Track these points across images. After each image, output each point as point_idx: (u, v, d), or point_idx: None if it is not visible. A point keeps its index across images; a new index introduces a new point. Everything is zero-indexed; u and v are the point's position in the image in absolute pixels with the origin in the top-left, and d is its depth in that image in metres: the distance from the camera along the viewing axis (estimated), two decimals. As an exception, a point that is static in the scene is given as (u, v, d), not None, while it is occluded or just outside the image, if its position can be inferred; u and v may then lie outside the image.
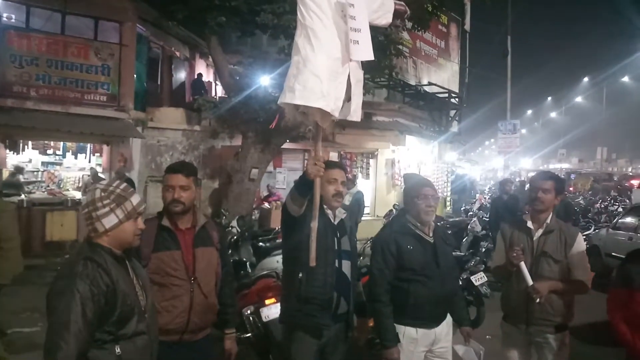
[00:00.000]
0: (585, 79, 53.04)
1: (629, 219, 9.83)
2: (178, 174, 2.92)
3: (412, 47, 19.24)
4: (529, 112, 66.26)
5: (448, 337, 3.34)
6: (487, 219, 11.08)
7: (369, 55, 2.66)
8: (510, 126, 20.48)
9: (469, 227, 10.32)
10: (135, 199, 2.23)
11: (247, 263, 6.17)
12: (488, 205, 15.57)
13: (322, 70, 2.54)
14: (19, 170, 11.78)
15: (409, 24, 11.98)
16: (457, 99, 21.52)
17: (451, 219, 13.35)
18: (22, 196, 10.74)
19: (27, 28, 11.49)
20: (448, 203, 19.51)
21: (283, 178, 15.35)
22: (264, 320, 4.47)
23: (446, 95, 20.41)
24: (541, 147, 55.71)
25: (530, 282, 3.19)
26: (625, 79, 48.23)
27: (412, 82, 19.30)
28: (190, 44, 16.61)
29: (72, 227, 11.05)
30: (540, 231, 3.38)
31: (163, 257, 2.81)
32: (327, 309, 3.04)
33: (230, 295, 3.15)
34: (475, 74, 26.71)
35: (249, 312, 4.67)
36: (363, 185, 14.20)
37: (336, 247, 3.11)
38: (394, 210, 12.09)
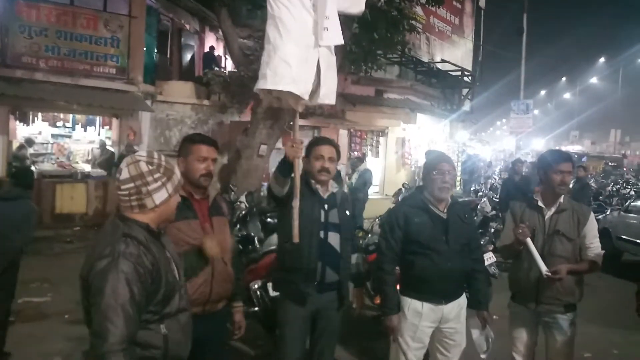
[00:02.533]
0: (601, 60, 52.09)
1: (641, 203, 9.69)
2: (211, 146, 2.87)
3: (426, 23, 18.91)
4: (542, 92, 65.30)
5: (460, 318, 3.31)
6: (497, 200, 10.98)
7: (339, 40, 2.92)
8: (523, 106, 20.23)
9: (478, 207, 10.23)
10: (178, 172, 2.14)
11: (255, 238, 6.13)
12: (498, 186, 15.45)
13: (291, 56, 2.75)
14: (29, 143, 11.78)
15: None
16: (470, 77, 21.18)
17: (460, 199, 13.24)
18: (32, 168, 10.77)
19: (37, -2, 11.40)
20: (458, 183, 19.38)
21: (292, 154, 15.23)
22: (271, 294, 4.44)
23: (459, 73, 20.09)
24: (553, 129, 55.04)
25: (539, 260, 3.15)
26: (642, 60, 47.30)
27: (425, 59, 19.01)
28: (200, 17, 16.45)
29: (81, 199, 11.13)
30: (552, 210, 3.33)
31: (181, 226, 2.71)
32: (311, 278, 3.16)
33: (237, 269, 3.10)
34: (488, 52, 26.30)
35: (256, 286, 4.65)
36: (372, 163, 14.09)
37: (322, 220, 3.21)
38: (404, 189, 11.99)
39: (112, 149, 12.51)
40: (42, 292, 6.44)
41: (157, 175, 2.04)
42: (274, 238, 6.95)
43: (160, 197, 2.04)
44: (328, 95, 2.99)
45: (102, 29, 11.79)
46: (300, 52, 2.79)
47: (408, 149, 15.74)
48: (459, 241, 3.24)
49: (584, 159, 27.21)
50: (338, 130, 14.12)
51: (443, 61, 19.32)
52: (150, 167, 2.03)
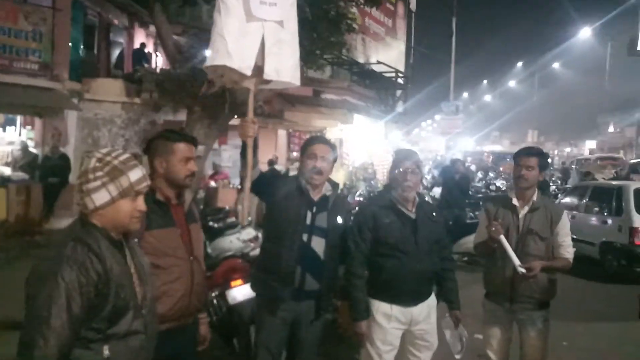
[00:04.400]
0: (519, 64, 54.92)
1: (568, 199, 10.17)
2: (192, 145, 2.63)
3: (361, 24, 19.11)
4: (465, 94, 68.08)
5: (430, 319, 3.23)
6: (435, 198, 11.22)
7: (287, 16, 2.93)
8: (452, 107, 20.86)
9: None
10: (134, 174, 1.85)
11: (207, 243, 5.83)
12: (429, 185, 15.83)
13: (227, 30, 2.74)
14: None
15: (361, -1, 11.79)
16: (404, 79, 21.63)
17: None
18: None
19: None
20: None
21: (228, 156, 14.92)
22: (230, 303, 4.20)
23: (393, 74, 20.46)
24: (476, 130, 57.50)
25: (513, 256, 3.13)
26: (556, 65, 50.28)
27: (361, 60, 19.19)
28: (129, 12, 15.71)
29: (1, 205, 10.24)
30: (526, 208, 3.32)
31: (159, 235, 2.48)
32: (288, 283, 2.98)
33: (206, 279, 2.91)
34: (419, 54, 26.95)
35: (213, 295, 4.38)
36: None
37: (308, 222, 3.02)
38: (345, 190, 11.98)
39: (34, 151, 11.64)
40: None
41: (98, 174, 1.81)
42: (220, 242, 6.67)
43: (99, 198, 1.80)
44: (278, 71, 2.88)
45: (23, 21, 10.97)
46: (238, 26, 2.75)
47: (346, 149, 15.82)
48: (428, 241, 3.16)
49: (508, 159, 28.49)
50: (277, 130, 13.96)
51: (379, 62, 19.60)
52: (97, 165, 1.82)
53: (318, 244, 3.04)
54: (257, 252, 5.67)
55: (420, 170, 3.20)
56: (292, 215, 2.99)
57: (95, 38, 14.79)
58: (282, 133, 14.35)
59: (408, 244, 3.09)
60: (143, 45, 15.78)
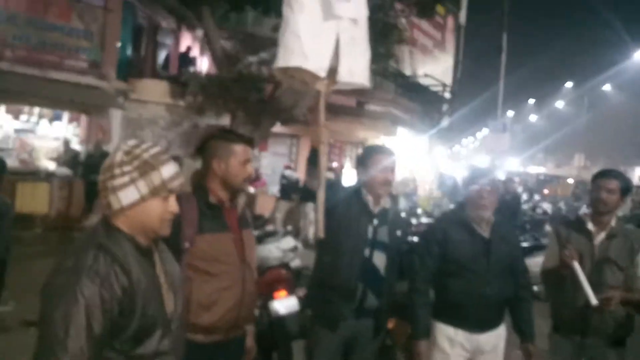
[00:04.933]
0: (569, 84, 53.40)
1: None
2: (250, 147, 2.52)
3: (410, 36, 18.82)
4: (510, 113, 66.60)
5: (497, 351, 3.01)
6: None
7: (361, 13, 2.70)
8: (500, 125, 20.25)
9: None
10: (167, 170, 1.64)
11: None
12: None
13: (302, 29, 2.53)
14: None
15: (410, 10, 11.54)
16: (450, 94, 21.19)
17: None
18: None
19: (6, -17, 10.66)
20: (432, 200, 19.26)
21: (268, 163, 14.82)
22: (273, 315, 3.99)
23: (440, 88, 20.05)
24: (521, 150, 56.10)
25: (586, 285, 2.83)
26: (607, 87, 48.63)
27: (407, 73, 18.88)
28: (177, 15, 15.80)
29: (44, 199, 10.35)
30: (602, 235, 3.03)
31: (211, 239, 2.35)
32: (349, 299, 2.86)
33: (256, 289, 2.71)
34: (466, 69, 26.43)
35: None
36: (351, 175, 13.73)
37: (369, 236, 2.91)
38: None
39: (76, 147, 11.77)
40: (2, 301, 5.80)
41: (126, 169, 1.59)
42: (259, 250, 6.50)
43: (127, 196, 1.59)
44: (352, 73, 2.69)
45: (76, 20, 11.11)
46: (314, 25, 2.55)
47: (396, 164, 15.51)
48: (501, 264, 2.95)
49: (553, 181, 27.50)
50: (327, 129, 13.76)
51: (426, 75, 19.25)
52: (124, 158, 1.60)
53: (379, 259, 2.91)
54: (296, 262, 5.46)
55: (496, 189, 3.00)
56: (353, 228, 2.88)
57: (143, 39, 14.97)
58: (323, 142, 14.17)
59: (478, 264, 2.90)
60: (189, 48, 15.90)
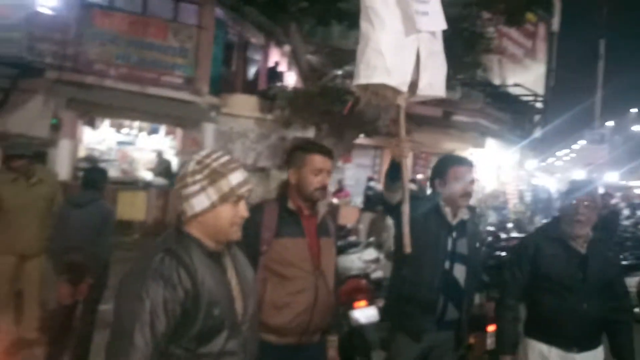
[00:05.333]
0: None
1: None
2: (326, 157, 2.57)
3: (498, 44, 18.21)
4: (610, 123, 62.42)
5: None
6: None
7: (440, 25, 2.68)
8: (597, 136, 19.13)
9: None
10: (235, 178, 1.71)
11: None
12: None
13: (384, 45, 2.52)
14: (92, 161, 11.83)
15: (498, 19, 11.17)
16: (542, 103, 20.22)
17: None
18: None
19: (111, 6, 11.54)
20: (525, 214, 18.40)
21: (351, 174, 14.85)
22: (353, 324, 4.05)
23: (531, 98, 19.20)
24: (622, 163, 52.33)
25: None
26: None
27: (496, 82, 18.27)
28: (266, 31, 16.37)
29: (142, 207, 11.05)
30: None
31: (287, 244, 2.46)
32: (430, 312, 2.85)
33: (336, 298, 2.75)
34: (559, 78, 25.14)
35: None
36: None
37: (449, 248, 2.89)
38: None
39: (169, 158, 12.44)
40: (105, 300, 6.24)
41: (197, 177, 1.69)
42: (341, 260, 6.53)
43: (198, 203, 1.68)
44: (432, 85, 2.69)
45: (172, 38, 11.83)
46: (395, 40, 2.54)
47: (475, 175, 15.01)
48: (598, 281, 2.81)
49: None
50: (408, 141, 13.63)
51: (516, 85, 18.52)
52: (196, 167, 1.71)
53: (459, 272, 2.88)
54: (378, 274, 5.44)
55: (595, 205, 2.85)
56: (432, 240, 2.86)
57: (233, 55, 15.60)
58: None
59: (574, 280, 2.79)
60: (277, 63, 16.37)
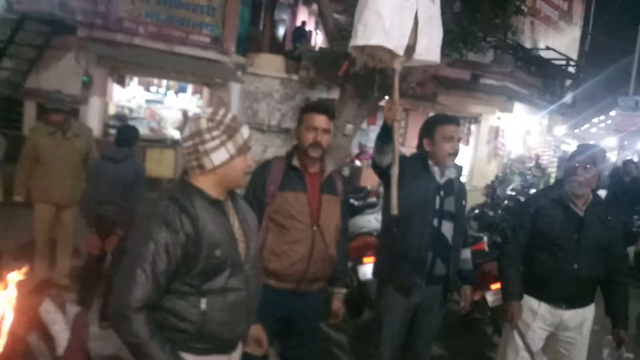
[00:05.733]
0: None
1: None
2: (323, 115, 2.71)
3: (532, 6, 17.66)
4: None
5: (582, 329, 3.00)
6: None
7: None
8: (632, 102, 18.55)
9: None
10: (245, 131, 1.90)
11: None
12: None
13: (384, 6, 2.52)
14: (122, 119, 12.09)
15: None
16: (575, 68, 19.66)
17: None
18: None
19: (140, -36, 11.58)
20: (552, 181, 18.18)
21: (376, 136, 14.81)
22: (361, 278, 4.29)
23: (563, 62, 18.68)
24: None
25: None
26: None
27: (527, 45, 17.80)
28: (294, -10, 16.24)
29: (170, 164, 11.34)
30: None
31: (288, 197, 2.65)
32: (420, 268, 2.94)
33: (343, 254, 2.93)
34: (596, 42, 24.29)
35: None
36: (462, 152, 13.41)
37: (437, 206, 2.97)
38: (496, 182, 11.27)
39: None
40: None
41: (215, 133, 1.85)
42: (358, 220, 6.72)
43: (219, 157, 1.85)
44: (428, 50, 2.74)
45: (200, -4, 11.83)
46: (395, 3, 2.56)
47: (502, 139, 14.85)
48: (593, 244, 2.91)
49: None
50: (428, 113, 13.53)
51: (548, 48, 18.02)
52: (210, 124, 1.85)
53: (447, 228, 2.97)
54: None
55: (595, 166, 2.91)
56: (421, 199, 2.92)
57: (261, 14, 15.53)
58: (433, 117, 13.92)
59: (568, 241, 2.90)
60: (304, 23, 16.23)
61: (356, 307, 4.44)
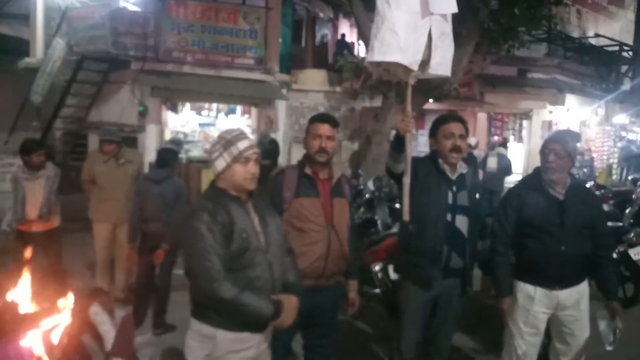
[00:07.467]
0: None
1: None
2: (325, 124, 2.99)
3: (577, -6, 17.18)
4: None
5: (579, 306, 3.11)
6: None
7: (452, 9, 2.85)
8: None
9: (633, 196, 9.09)
10: (242, 144, 2.35)
11: (379, 221, 6.13)
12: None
13: (399, 24, 2.68)
14: (178, 144, 12.71)
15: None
16: (630, 53, 18.82)
17: (615, 188, 11.87)
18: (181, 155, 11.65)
19: (184, -3, 12.25)
20: (614, 171, 17.43)
21: (425, 140, 14.79)
22: (392, 277, 4.42)
23: (617, 48, 17.95)
24: None
25: None
26: None
27: (575, 35, 17.27)
28: (333, 4, 16.57)
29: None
30: None
31: (304, 203, 2.93)
32: (436, 262, 3.08)
33: (354, 248, 3.17)
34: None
35: (377, 268, 4.69)
36: (515, 149, 13.20)
37: (450, 202, 3.11)
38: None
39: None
40: (178, 265, 6.90)
41: (216, 147, 2.38)
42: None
43: (219, 164, 2.36)
44: (441, 65, 2.93)
45: (242, 21, 12.33)
46: (410, 20, 2.73)
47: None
48: (576, 224, 3.03)
49: None
50: (476, 113, 13.44)
51: (597, 36, 17.40)
52: (216, 140, 2.41)
53: (461, 222, 3.10)
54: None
55: (565, 152, 3.02)
56: (434, 196, 3.08)
57: (302, 31, 15.96)
58: (481, 116, 13.76)
59: (552, 225, 3.02)
60: (343, 36, 16.52)
61: (391, 307, 4.54)
